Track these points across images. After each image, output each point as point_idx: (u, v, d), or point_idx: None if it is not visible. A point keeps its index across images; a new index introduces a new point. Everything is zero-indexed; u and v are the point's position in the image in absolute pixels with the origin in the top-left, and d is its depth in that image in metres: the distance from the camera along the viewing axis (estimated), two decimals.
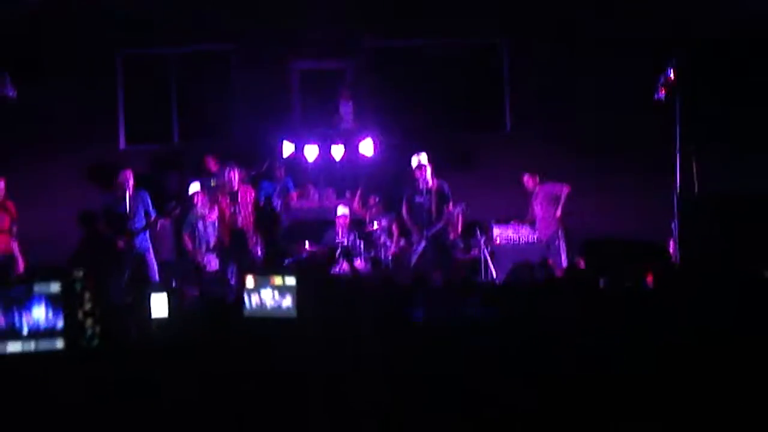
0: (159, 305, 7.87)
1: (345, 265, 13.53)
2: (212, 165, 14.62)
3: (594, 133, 15.07)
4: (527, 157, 14.83)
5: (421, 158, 13.15)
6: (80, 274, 5.49)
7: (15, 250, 12.91)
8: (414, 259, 13.11)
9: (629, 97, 14.34)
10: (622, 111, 14.82)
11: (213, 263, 13.46)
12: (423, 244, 13.01)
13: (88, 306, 5.53)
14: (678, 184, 12.93)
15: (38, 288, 5.45)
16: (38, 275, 5.55)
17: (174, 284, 13.25)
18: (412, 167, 13.18)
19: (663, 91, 12.28)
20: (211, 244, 13.55)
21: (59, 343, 5.43)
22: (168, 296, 7.93)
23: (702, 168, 13.23)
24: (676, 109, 12.05)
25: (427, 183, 13.02)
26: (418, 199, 13.14)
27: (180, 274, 13.82)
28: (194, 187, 13.89)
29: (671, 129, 12.15)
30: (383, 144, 14.68)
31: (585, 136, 15.09)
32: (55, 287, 5.45)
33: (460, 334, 7.24)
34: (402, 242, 14.08)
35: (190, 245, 13.67)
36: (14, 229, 12.89)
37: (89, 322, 5.53)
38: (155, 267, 13.24)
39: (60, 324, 5.44)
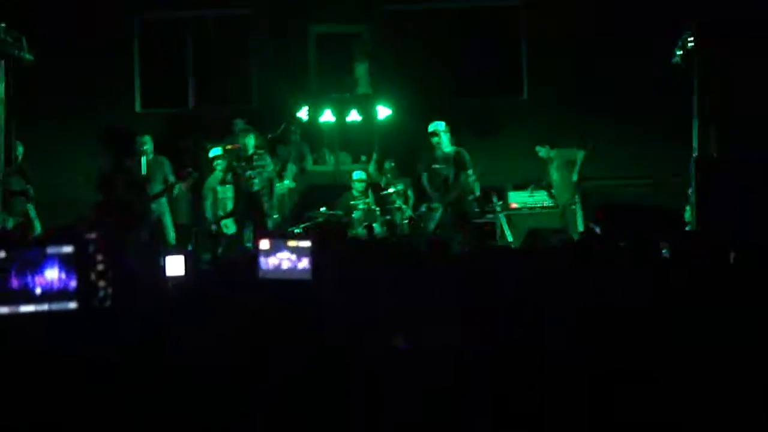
0: (175, 266, 7.92)
1: (361, 229, 13.55)
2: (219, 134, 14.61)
3: (611, 98, 14.97)
4: (544, 121, 14.77)
5: (438, 125, 13.22)
6: (93, 235, 5.49)
7: (31, 213, 12.99)
8: (432, 225, 13.22)
9: (647, 61, 14.24)
10: (640, 75, 14.71)
11: (230, 228, 13.49)
12: (440, 210, 13.13)
13: (100, 267, 5.54)
14: (695, 150, 12.90)
15: (51, 250, 5.45)
16: (51, 237, 5.56)
17: (190, 248, 13.33)
18: (429, 134, 13.29)
19: (681, 55, 12.21)
20: (228, 208, 13.58)
21: (72, 305, 5.44)
22: (185, 258, 7.98)
23: (720, 134, 13.19)
24: (694, 74, 11.97)
25: (445, 150, 13.16)
26: (436, 165, 13.30)
27: (197, 238, 13.89)
28: (214, 151, 13.90)
29: (689, 93, 12.09)
30: (399, 108, 14.63)
31: (602, 101, 14.99)
32: (67, 249, 5.45)
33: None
34: (418, 207, 14.11)
35: (208, 210, 13.69)
36: (31, 192, 12.95)
37: (102, 283, 5.54)
38: (173, 231, 13.31)
39: (73, 285, 5.45)
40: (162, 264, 7.94)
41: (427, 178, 13.46)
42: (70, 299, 5.45)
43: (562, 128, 14.39)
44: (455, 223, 13.24)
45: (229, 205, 13.57)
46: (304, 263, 7.00)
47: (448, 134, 13.28)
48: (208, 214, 13.65)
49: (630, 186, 14.53)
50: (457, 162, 13.19)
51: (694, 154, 12.77)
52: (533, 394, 5.35)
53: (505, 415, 5.32)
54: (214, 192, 13.66)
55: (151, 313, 6.60)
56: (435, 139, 13.23)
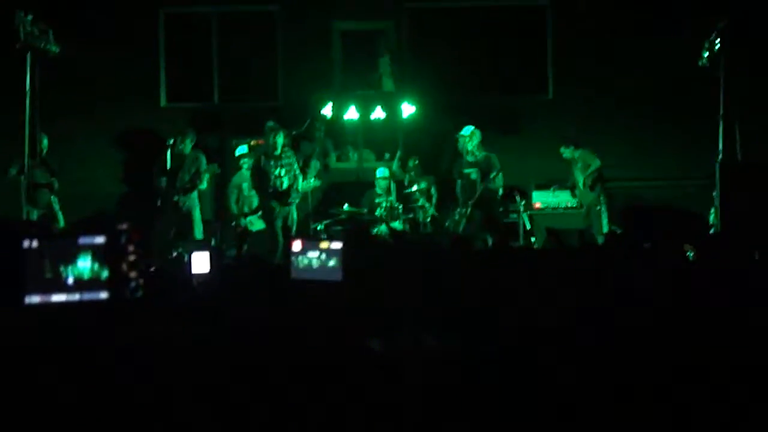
0: (201, 263, 7.93)
1: (384, 227, 13.55)
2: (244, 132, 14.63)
3: (636, 99, 14.93)
4: (569, 121, 14.74)
5: (467, 130, 13.77)
6: (125, 226, 5.51)
7: (55, 206, 13.03)
8: (461, 227, 13.37)
9: (673, 63, 14.21)
10: (666, 77, 14.68)
11: (256, 224, 13.52)
12: (468, 210, 13.33)
13: (132, 258, 5.56)
14: (720, 153, 12.84)
15: (83, 240, 5.47)
16: (84, 228, 5.57)
17: (214, 243, 13.36)
18: (460, 137, 13.79)
19: (708, 57, 12.14)
20: (254, 205, 13.59)
21: (103, 294, 5.46)
22: (210, 254, 7.99)
23: (745, 137, 13.12)
24: (721, 76, 11.90)
25: (475, 154, 13.67)
26: (466, 170, 13.80)
27: (221, 234, 13.93)
28: (240, 149, 13.91)
29: (715, 96, 12.04)
30: (424, 106, 14.61)
31: (627, 102, 14.95)
32: (99, 240, 5.47)
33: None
34: (441, 206, 14.15)
35: (233, 207, 13.70)
36: (55, 185, 12.99)
37: (133, 274, 5.56)
38: (201, 225, 13.36)
39: (104, 275, 5.46)
40: (187, 260, 7.96)
41: (460, 187, 13.91)
42: (101, 289, 5.48)
43: (587, 129, 14.34)
44: (483, 224, 13.45)
45: (255, 202, 13.58)
46: (334, 262, 7.04)
47: (478, 138, 13.60)
48: (234, 210, 13.66)
49: (655, 188, 14.48)
50: (487, 166, 13.63)
51: (719, 157, 12.72)
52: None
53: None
54: (240, 189, 13.67)
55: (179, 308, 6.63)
56: (466, 145, 13.61)
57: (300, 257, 6.98)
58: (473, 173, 13.68)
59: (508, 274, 8.01)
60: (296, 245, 7.02)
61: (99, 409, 5.01)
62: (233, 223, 13.63)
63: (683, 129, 14.46)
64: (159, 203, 13.00)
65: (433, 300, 7.09)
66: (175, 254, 11.62)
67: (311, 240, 7.13)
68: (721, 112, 12.19)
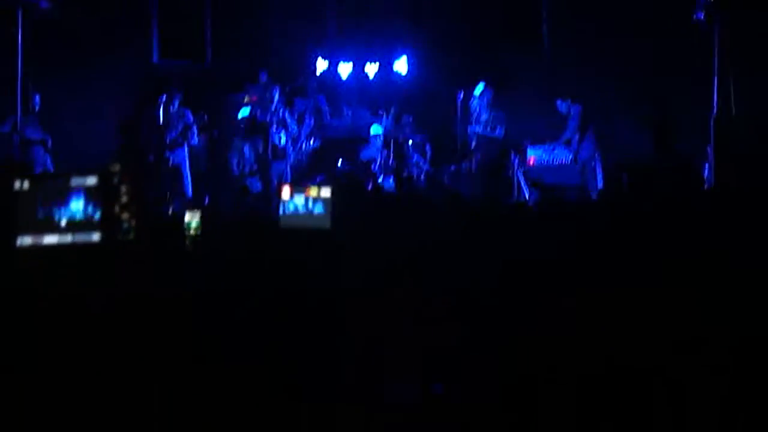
0: (193, 221, 7.92)
1: (378, 183, 13.54)
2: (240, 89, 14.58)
3: (631, 55, 14.85)
4: (564, 77, 14.66)
5: (479, 88, 14.02)
6: (117, 167, 5.49)
7: (48, 163, 12.99)
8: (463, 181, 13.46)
9: (668, 17, 14.11)
10: (661, 32, 14.58)
11: (257, 186, 13.52)
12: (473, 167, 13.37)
13: (124, 199, 5.53)
14: (715, 107, 12.82)
15: (75, 181, 5.45)
16: (75, 170, 5.54)
17: (207, 201, 13.35)
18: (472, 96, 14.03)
19: (702, 11, 12.10)
20: (253, 165, 13.57)
21: (95, 236, 5.43)
22: (202, 212, 7.98)
23: (740, 92, 13.10)
24: (715, 30, 11.86)
25: (481, 113, 13.90)
26: (472, 128, 14.05)
27: (215, 192, 13.93)
28: (243, 112, 13.88)
29: (710, 50, 12.01)
30: (418, 62, 14.56)
31: (622, 58, 14.86)
32: (92, 180, 5.45)
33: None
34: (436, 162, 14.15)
35: (235, 168, 13.69)
36: (48, 142, 12.95)
37: (125, 215, 5.53)
38: (189, 182, 13.34)
39: (97, 217, 5.44)
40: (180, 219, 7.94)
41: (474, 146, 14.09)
42: (94, 231, 5.45)
43: (582, 84, 14.27)
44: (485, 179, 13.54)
45: (256, 165, 13.58)
46: (320, 208, 7.04)
47: (487, 96, 13.63)
48: (236, 172, 13.66)
49: (650, 143, 14.43)
50: (493, 123, 13.83)
51: (714, 112, 12.71)
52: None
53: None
54: (240, 151, 13.66)
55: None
56: (475, 103, 13.62)
57: (287, 204, 6.98)
58: (487, 131, 13.74)
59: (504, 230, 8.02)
60: (284, 192, 7.03)
61: (92, 351, 5.01)
62: (235, 185, 13.63)
63: (678, 83, 14.37)
64: (151, 160, 12.99)
65: (425, 252, 7.10)
66: (170, 211, 11.63)
67: (299, 187, 7.13)
68: (716, 68, 12.18)
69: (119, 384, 4.83)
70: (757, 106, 13.02)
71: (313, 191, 7.07)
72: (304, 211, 7.04)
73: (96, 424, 4.61)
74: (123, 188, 5.50)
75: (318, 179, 13.42)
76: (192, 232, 7.82)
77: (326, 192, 7.07)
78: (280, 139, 13.15)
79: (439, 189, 13.61)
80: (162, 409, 4.73)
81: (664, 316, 5.46)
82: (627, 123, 14.41)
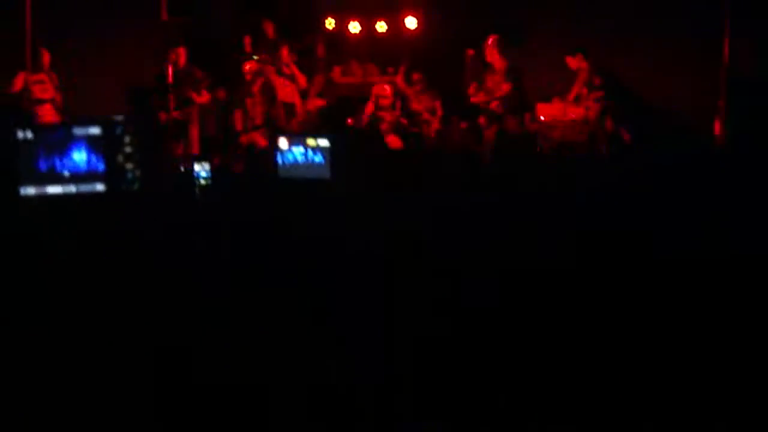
0: (202, 172, 7.94)
1: (387, 140, 13.52)
2: (247, 46, 14.51)
3: (642, 9, 14.70)
4: (573, 33, 14.54)
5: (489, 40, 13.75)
6: (121, 118, 5.49)
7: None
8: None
9: None
10: None
11: (261, 141, 13.49)
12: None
13: (128, 150, 5.54)
14: (727, 62, 12.77)
15: (78, 131, 5.48)
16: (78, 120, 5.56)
17: (216, 160, 13.37)
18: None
19: None
20: (257, 121, 13.56)
21: (99, 186, 5.45)
22: (210, 164, 8.01)
23: (752, 46, 13.04)
24: None
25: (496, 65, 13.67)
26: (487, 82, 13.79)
27: (224, 150, 13.92)
28: (249, 65, 13.85)
29: (722, 6, 11.93)
30: (428, 19, 14.48)
31: (633, 12, 14.72)
32: (94, 130, 5.47)
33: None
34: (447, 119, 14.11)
35: (239, 123, 13.68)
36: (58, 100, 12.94)
37: (130, 165, 5.54)
38: (196, 142, 13.38)
39: (101, 167, 5.45)
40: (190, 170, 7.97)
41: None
42: (98, 181, 5.47)
43: (592, 40, 14.15)
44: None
45: (260, 119, 13.56)
46: (320, 158, 7.03)
47: (501, 47, 13.51)
48: (239, 126, 13.65)
49: (661, 100, 14.32)
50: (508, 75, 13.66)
51: (726, 69, 12.68)
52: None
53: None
54: (244, 105, 13.65)
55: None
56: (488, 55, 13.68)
57: (286, 154, 6.98)
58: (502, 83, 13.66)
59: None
60: (282, 142, 7.03)
61: (97, 299, 5.04)
62: (238, 139, 13.62)
63: (689, 38, 14.25)
64: (160, 117, 13.01)
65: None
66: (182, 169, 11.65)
67: (298, 137, 7.12)
68: (728, 27, 12.14)
69: (120, 334, 4.85)
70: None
71: (311, 141, 7.06)
72: (303, 161, 7.04)
73: (99, 367, 4.64)
74: (127, 138, 5.51)
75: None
76: (202, 182, 7.86)
77: (325, 142, 7.06)
78: (286, 95, 13.13)
79: (449, 146, 13.58)
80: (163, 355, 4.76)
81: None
82: (637, 80, 14.29)
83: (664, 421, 4.14)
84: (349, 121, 13.76)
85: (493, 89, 13.69)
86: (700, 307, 5.13)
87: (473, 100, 13.79)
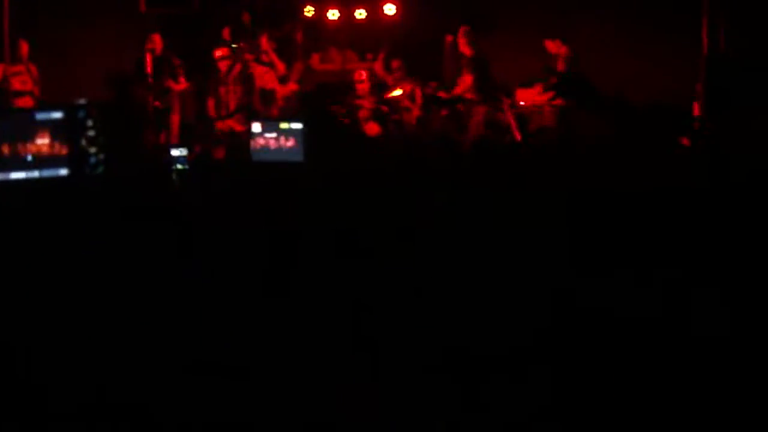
0: (179, 158, 7.95)
1: (366, 127, 13.53)
2: (225, 34, 14.51)
3: None
4: (552, 18, 14.52)
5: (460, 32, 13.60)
6: (83, 102, 5.49)
7: None
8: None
9: None
10: None
11: (237, 126, 13.48)
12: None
13: (91, 133, 5.54)
14: (705, 46, 12.79)
15: (40, 116, 5.47)
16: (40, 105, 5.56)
17: (194, 147, 13.36)
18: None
19: None
20: (232, 107, 13.55)
21: (63, 171, 5.46)
22: (190, 151, 8.02)
23: (730, 30, 13.06)
24: None
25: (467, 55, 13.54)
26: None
27: (203, 138, 13.91)
28: (220, 52, 13.83)
29: None
30: (406, 5, 14.47)
31: None
32: (57, 115, 5.46)
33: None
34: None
35: (213, 110, 13.67)
36: (36, 91, 12.92)
37: (93, 149, 5.54)
38: (176, 129, 13.39)
39: (64, 152, 5.46)
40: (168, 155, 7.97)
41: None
42: (61, 166, 5.47)
43: (569, 24, 14.14)
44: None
45: (234, 105, 13.55)
46: (292, 143, 7.04)
47: (470, 38, 13.47)
48: (213, 113, 13.64)
49: (638, 82, 14.32)
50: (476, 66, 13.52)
51: (704, 50, 12.70)
52: None
53: None
54: (218, 92, 13.63)
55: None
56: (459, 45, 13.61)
57: (258, 138, 6.99)
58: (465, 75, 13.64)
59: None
60: (255, 126, 7.03)
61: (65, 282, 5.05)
62: (213, 126, 13.62)
63: (668, 22, 14.25)
64: (140, 108, 13.05)
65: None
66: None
67: (271, 121, 7.13)
68: (706, 7, 12.15)
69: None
70: (747, 45, 13.00)
71: (284, 125, 7.08)
72: (276, 145, 7.05)
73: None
74: (89, 122, 5.51)
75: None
76: (179, 166, 7.88)
77: (298, 125, 7.07)
78: (267, 81, 13.15)
79: (429, 133, 13.58)
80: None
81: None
82: (616, 63, 14.29)
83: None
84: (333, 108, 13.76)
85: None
86: None
87: (440, 94, 13.81)
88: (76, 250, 5.18)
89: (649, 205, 6.73)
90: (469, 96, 13.51)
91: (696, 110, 12.92)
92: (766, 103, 12.01)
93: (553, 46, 13.85)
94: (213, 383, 4.28)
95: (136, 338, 4.71)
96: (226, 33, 14.36)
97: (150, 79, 13.05)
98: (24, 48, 12.83)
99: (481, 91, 13.54)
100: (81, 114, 5.48)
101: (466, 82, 13.52)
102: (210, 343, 4.77)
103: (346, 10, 14.40)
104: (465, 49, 13.58)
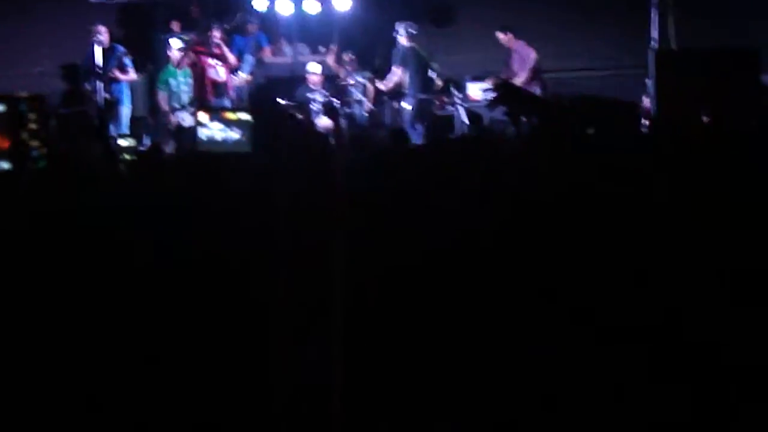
0: (128, 147, 7.89)
1: (320, 121, 13.52)
2: (176, 27, 14.43)
3: None
4: (503, 12, 14.54)
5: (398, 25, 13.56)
6: (25, 94, 5.41)
7: None
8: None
9: None
10: None
11: (188, 120, 13.39)
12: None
13: (33, 126, 5.46)
14: (654, 41, 12.85)
15: None
16: None
17: (145, 140, 13.27)
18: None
19: None
20: (183, 100, 13.47)
21: (5, 165, 5.38)
22: (139, 142, 7.95)
23: (679, 24, 13.13)
24: None
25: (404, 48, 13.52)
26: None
27: (153, 130, 13.83)
28: (174, 43, 13.74)
29: None
30: None
31: None
32: None
33: None
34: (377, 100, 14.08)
35: (164, 103, 13.58)
36: None
37: (35, 143, 5.47)
38: (125, 121, 13.33)
39: (5, 145, 5.38)
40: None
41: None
42: (2, 159, 5.39)
43: (519, 18, 14.14)
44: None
45: (185, 98, 13.48)
46: (237, 134, 7.00)
47: (406, 32, 13.41)
48: (165, 107, 13.55)
49: (588, 78, 14.38)
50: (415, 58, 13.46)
51: (653, 45, 12.75)
52: None
53: None
54: (169, 84, 13.55)
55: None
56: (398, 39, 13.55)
57: (204, 128, 6.94)
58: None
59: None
60: (202, 116, 6.99)
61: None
62: (165, 120, 13.55)
63: (616, 17, 14.33)
64: (90, 99, 12.97)
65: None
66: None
67: (217, 111, 7.09)
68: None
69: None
70: (696, 38, 13.09)
71: (231, 115, 7.02)
72: (223, 135, 7.00)
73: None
74: (31, 116, 5.43)
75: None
76: (127, 156, 7.82)
77: (245, 116, 7.03)
78: (216, 73, 13.12)
79: (381, 127, 13.57)
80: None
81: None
82: (564, 57, 14.34)
83: None
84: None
85: None
86: None
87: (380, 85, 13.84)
88: (18, 245, 5.09)
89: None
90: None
91: (646, 105, 12.98)
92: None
93: (504, 38, 13.82)
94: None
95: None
96: (176, 25, 14.30)
97: (98, 70, 12.95)
98: None
99: (413, 84, 13.55)
100: (22, 107, 5.38)
101: (396, 73, 13.57)
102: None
103: (298, 3, 14.33)
104: (402, 40, 13.57)
